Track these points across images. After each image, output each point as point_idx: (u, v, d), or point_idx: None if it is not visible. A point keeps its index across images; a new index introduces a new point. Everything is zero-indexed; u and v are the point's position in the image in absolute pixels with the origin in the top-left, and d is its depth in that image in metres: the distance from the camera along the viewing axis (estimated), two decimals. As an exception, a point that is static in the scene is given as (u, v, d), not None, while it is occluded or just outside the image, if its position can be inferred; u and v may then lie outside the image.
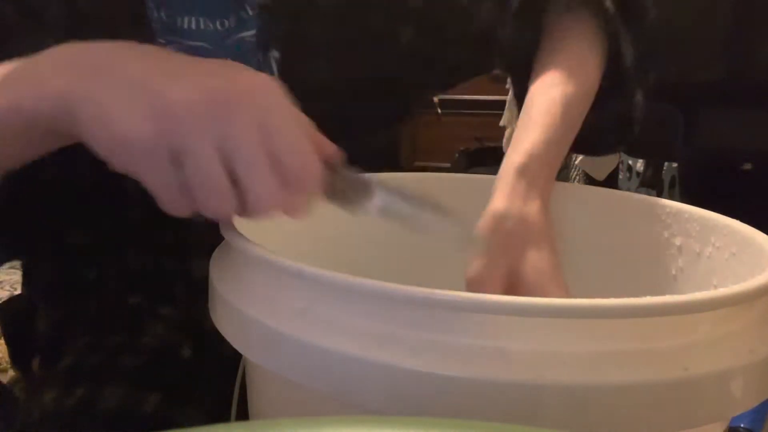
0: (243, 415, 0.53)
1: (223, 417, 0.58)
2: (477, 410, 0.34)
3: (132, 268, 0.71)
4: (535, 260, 0.53)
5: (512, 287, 0.53)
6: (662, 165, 1.43)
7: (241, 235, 0.44)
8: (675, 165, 1.39)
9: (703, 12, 1.16)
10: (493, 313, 0.36)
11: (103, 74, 0.41)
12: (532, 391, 0.34)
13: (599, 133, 0.66)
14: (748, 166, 1.23)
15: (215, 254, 0.49)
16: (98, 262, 0.71)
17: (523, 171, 0.56)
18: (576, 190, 0.65)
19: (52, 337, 0.73)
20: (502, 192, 0.56)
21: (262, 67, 0.66)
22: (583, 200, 0.64)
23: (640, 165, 1.47)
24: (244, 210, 0.40)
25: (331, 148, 0.44)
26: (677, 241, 0.58)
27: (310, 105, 0.46)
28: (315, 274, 0.38)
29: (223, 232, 0.46)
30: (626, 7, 0.62)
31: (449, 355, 0.35)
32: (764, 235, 0.49)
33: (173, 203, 0.40)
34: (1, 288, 2.20)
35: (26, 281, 0.77)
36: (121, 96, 0.39)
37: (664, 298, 0.36)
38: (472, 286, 0.53)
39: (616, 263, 0.63)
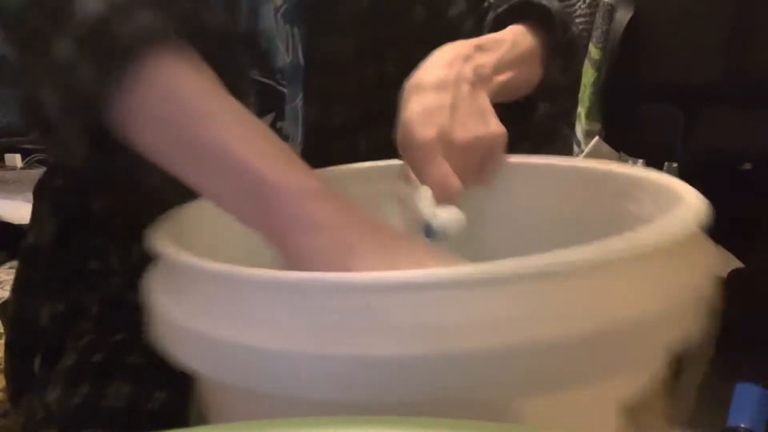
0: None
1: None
2: (419, 387, 0.35)
3: (136, 263, 0.71)
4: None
5: None
6: (662, 165, 1.43)
7: (162, 241, 0.44)
8: (675, 165, 1.39)
9: (703, 12, 1.16)
10: (419, 290, 0.37)
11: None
12: (468, 360, 0.35)
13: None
14: (748, 166, 1.23)
15: (148, 271, 0.49)
16: (102, 254, 0.72)
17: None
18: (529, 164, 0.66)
19: (55, 334, 0.73)
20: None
21: (291, 44, 0.70)
22: (542, 174, 0.65)
23: (640, 165, 1.47)
24: None
25: None
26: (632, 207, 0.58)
27: (335, 82, 0.51)
28: (226, 272, 0.40)
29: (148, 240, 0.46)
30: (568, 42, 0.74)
31: (382, 335, 0.36)
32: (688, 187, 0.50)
33: None
34: (2, 288, 2.19)
35: (24, 276, 0.78)
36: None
37: (576, 250, 0.37)
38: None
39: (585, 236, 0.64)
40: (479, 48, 0.65)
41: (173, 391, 0.66)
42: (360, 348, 0.36)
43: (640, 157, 1.46)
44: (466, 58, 0.63)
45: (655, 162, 1.44)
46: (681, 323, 0.40)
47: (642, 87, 1.22)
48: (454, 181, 0.56)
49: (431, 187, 0.56)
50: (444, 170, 0.56)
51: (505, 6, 0.74)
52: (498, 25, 0.73)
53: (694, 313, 0.41)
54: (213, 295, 0.41)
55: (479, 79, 0.62)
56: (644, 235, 0.40)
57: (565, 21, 0.76)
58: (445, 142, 0.56)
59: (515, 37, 0.70)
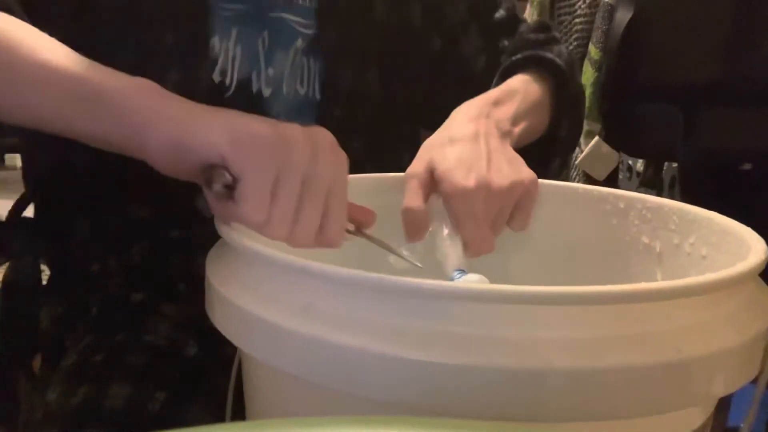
0: (240, 411, 0.53)
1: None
2: (479, 397, 0.35)
3: (136, 264, 0.71)
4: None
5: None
6: (662, 165, 1.43)
7: (238, 233, 0.44)
8: (675, 165, 1.39)
9: (703, 12, 1.16)
10: (494, 303, 0.37)
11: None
12: (534, 376, 0.35)
13: None
14: (748, 166, 1.23)
15: (211, 253, 0.49)
16: (102, 255, 0.72)
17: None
18: (557, 189, 0.67)
19: (55, 334, 0.73)
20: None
21: (307, 77, 0.72)
22: (566, 199, 0.67)
23: (640, 165, 1.47)
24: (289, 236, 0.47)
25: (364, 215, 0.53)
26: (657, 234, 0.60)
27: (350, 111, 0.57)
28: (319, 269, 0.39)
29: (220, 230, 0.46)
30: (576, 94, 0.78)
31: (452, 344, 0.36)
32: (741, 225, 0.51)
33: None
34: (2, 288, 2.19)
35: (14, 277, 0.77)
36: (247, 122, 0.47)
37: (657, 283, 0.38)
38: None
39: (606, 262, 0.64)
40: (495, 103, 0.67)
41: (173, 391, 0.66)
42: (434, 356, 0.36)
43: (640, 157, 1.46)
44: (487, 116, 0.64)
45: (655, 162, 1.45)
46: (746, 363, 0.40)
47: (642, 87, 1.22)
48: (489, 244, 0.57)
49: (465, 241, 0.57)
50: (482, 231, 0.57)
51: (519, 56, 0.76)
52: (509, 73, 0.75)
53: (757, 353, 0.41)
54: (286, 287, 0.41)
55: (502, 134, 0.64)
56: (716, 275, 0.39)
57: (574, 75, 0.78)
58: (483, 188, 0.57)
59: (525, 86, 0.72)
